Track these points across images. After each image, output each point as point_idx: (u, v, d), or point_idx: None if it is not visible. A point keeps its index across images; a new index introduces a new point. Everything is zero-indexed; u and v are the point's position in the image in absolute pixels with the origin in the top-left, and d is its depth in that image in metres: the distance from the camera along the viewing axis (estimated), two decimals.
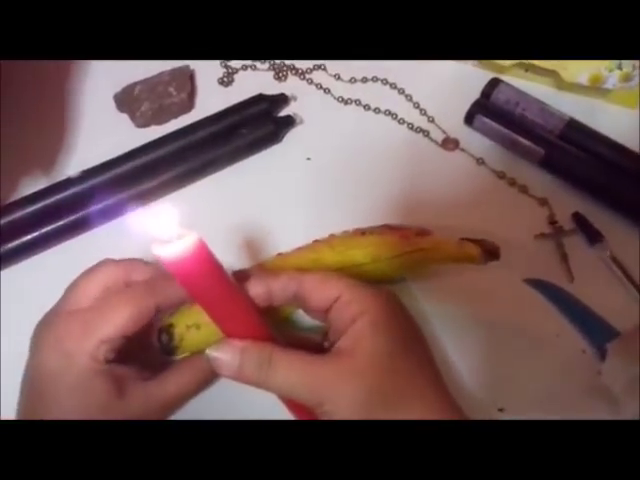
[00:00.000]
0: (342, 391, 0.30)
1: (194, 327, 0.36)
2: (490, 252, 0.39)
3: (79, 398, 0.34)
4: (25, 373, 0.35)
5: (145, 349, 0.38)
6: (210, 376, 0.38)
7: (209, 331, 0.35)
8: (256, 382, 0.31)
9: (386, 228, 0.40)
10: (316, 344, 0.35)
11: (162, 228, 0.27)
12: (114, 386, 0.34)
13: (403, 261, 0.38)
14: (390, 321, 0.32)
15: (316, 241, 0.40)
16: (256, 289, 0.33)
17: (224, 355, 0.31)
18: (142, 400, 0.35)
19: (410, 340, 0.33)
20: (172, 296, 0.35)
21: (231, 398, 0.41)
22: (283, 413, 0.35)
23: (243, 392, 0.42)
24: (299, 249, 0.40)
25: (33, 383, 0.35)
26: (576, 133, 0.49)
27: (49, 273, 0.48)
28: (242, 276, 0.34)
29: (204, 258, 0.28)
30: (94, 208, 0.49)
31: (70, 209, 0.49)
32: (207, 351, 0.31)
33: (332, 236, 0.40)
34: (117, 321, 0.34)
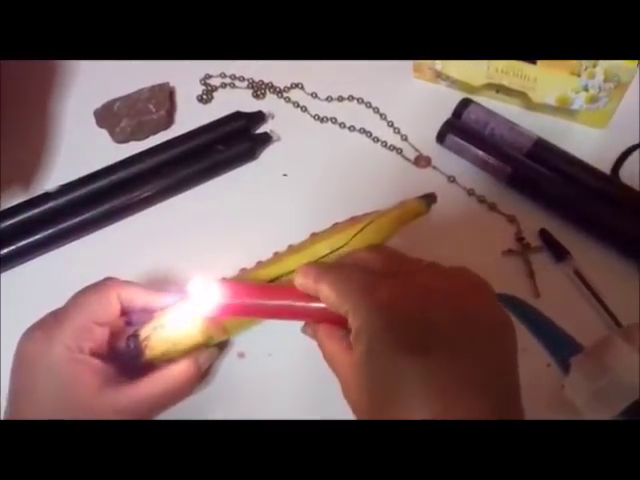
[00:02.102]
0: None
1: (159, 327, 0.37)
2: (427, 198, 0.41)
3: (52, 386, 0.35)
4: (12, 367, 0.37)
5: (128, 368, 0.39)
6: (182, 389, 0.39)
7: (175, 329, 0.37)
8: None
9: (335, 224, 0.41)
10: None
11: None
12: (88, 379, 0.36)
13: (361, 240, 0.39)
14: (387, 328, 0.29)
15: (276, 253, 0.41)
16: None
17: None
18: (112, 400, 0.36)
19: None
20: (133, 292, 0.39)
21: (229, 398, 0.43)
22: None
23: (240, 392, 0.44)
24: (262, 263, 0.41)
25: (14, 373, 0.37)
26: (543, 152, 0.50)
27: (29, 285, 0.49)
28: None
29: (233, 294, 0.34)
30: (72, 222, 0.50)
31: (47, 223, 0.49)
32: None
33: (290, 245, 0.41)
34: (83, 308, 0.37)
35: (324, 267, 0.34)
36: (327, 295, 0.32)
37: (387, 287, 0.30)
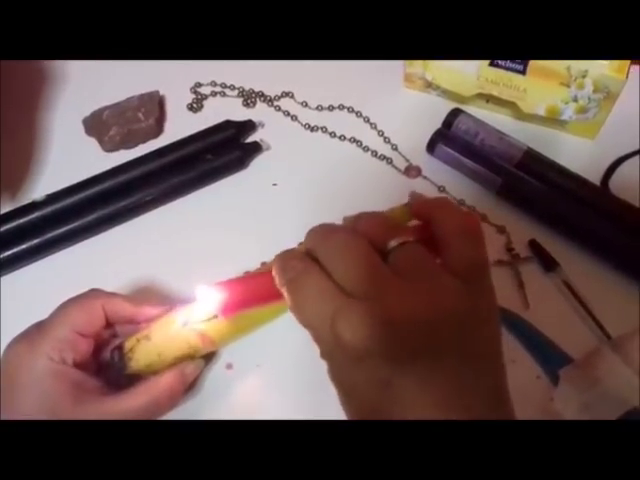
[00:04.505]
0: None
1: (144, 339, 0.37)
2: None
3: (35, 397, 0.35)
4: None
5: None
6: (166, 402, 0.38)
7: (160, 340, 0.37)
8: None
9: None
10: None
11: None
12: (71, 390, 0.35)
13: None
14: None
15: (264, 263, 0.41)
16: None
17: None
18: (95, 413, 0.36)
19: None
20: (118, 304, 0.38)
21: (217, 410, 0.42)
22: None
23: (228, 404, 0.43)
24: (250, 273, 0.41)
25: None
26: (533, 163, 0.50)
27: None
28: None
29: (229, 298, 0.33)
30: (59, 232, 0.49)
31: (34, 233, 0.49)
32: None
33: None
34: (68, 319, 0.37)
35: (285, 275, 0.30)
36: (289, 307, 0.29)
37: (347, 315, 0.26)
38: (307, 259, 0.29)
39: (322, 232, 0.30)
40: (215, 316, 0.36)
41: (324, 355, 0.28)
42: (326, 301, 0.27)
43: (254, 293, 0.33)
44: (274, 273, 0.30)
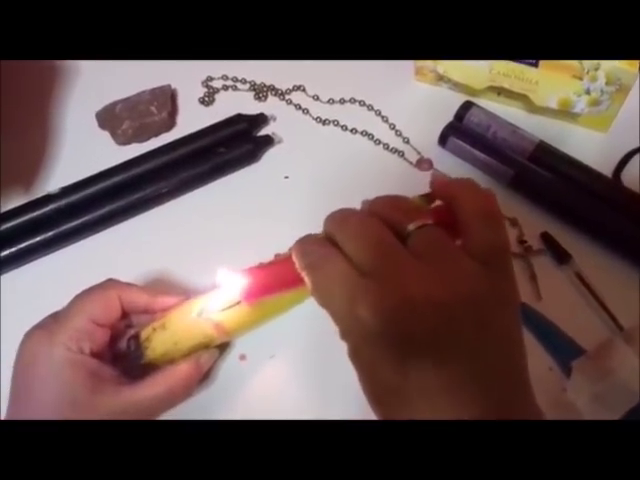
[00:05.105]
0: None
1: (160, 328, 0.37)
2: (428, 196, 0.41)
3: (53, 386, 0.35)
4: (13, 367, 0.37)
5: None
6: (181, 391, 0.39)
7: (176, 329, 0.37)
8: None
9: None
10: None
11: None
12: (88, 380, 0.36)
13: None
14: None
15: (277, 255, 0.41)
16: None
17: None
18: (112, 401, 0.36)
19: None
20: (134, 294, 0.39)
21: (230, 401, 0.43)
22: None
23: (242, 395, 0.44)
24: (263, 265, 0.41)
25: (15, 373, 0.37)
26: (545, 155, 0.50)
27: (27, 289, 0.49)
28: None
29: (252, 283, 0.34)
30: (73, 224, 0.50)
31: (49, 225, 0.49)
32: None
33: (291, 248, 0.42)
34: (84, 309, 0.37)
35: (305, 259, 0.30)
36: (310, 288, 0.29)
37: (366, 296, 0.27)
38: (326, 243, 0.30)
39: (340, 216, 0.30)
40: (238, 302, 0.36)
41: (344, 336, 0.28)
42: (345, 283, 0.27)
43: (276, 278, 0.33)
44: (294, 258, 0.31)
